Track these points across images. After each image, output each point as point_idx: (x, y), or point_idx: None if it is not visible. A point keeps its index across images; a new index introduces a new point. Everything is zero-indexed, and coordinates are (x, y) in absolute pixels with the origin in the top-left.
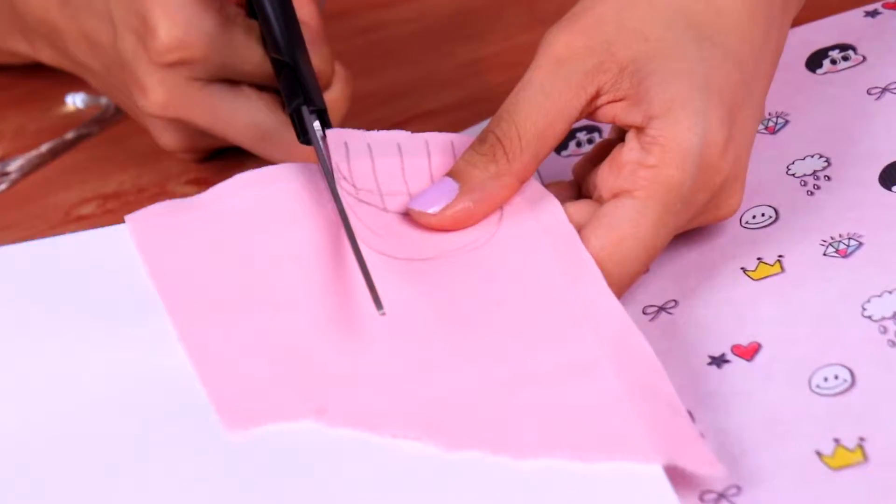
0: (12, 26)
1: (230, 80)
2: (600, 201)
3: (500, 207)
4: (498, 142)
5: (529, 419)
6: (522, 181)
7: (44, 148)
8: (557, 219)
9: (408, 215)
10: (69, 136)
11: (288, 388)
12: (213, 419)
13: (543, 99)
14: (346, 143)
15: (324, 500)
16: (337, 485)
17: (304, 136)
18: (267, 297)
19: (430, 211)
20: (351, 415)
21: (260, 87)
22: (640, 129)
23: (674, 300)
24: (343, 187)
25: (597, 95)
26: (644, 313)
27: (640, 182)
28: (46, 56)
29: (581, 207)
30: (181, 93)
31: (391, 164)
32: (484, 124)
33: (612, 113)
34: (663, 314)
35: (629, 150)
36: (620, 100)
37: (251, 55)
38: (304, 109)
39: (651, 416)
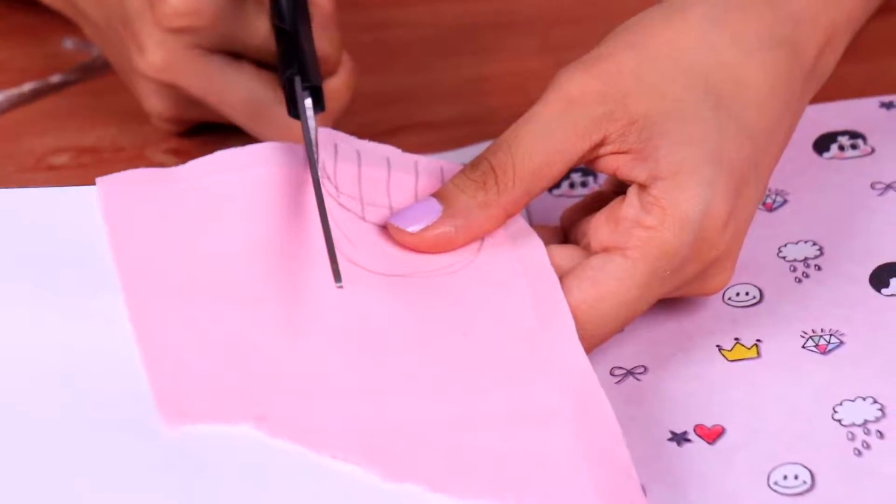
0: None
1: (232, 53)
2: (588, 250)
3: (482, 238)
4: (491, 171)
5: (476, 460)
6: (509, 215)
7: (26, 87)
8: (539, 261)
9: (386, 229)
10: (54, 79)
11: (232, 389)
12: (151, 409)
13: (547, 136)
14: (336, 145)
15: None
16: (265, 498)
17: (294, 108)
18: (228, 288)
19: (410, 230)
20: (292, 427)
21: (260, 66)
22: (642, 187)
23: (643, 366)
24: (325, 187)
25: (601, 143)
26: (611, 374)
27: (634, 241)
28: None
29: (567, 254)
30: (180, 58)
31: (377, 176)
32: (475, 148)
33: (616, 165)
34: (631, 379)
35: (628, 206)
36: (625, 152)
37: (257, 30)
38: (297, 80)
39: (602, 477)
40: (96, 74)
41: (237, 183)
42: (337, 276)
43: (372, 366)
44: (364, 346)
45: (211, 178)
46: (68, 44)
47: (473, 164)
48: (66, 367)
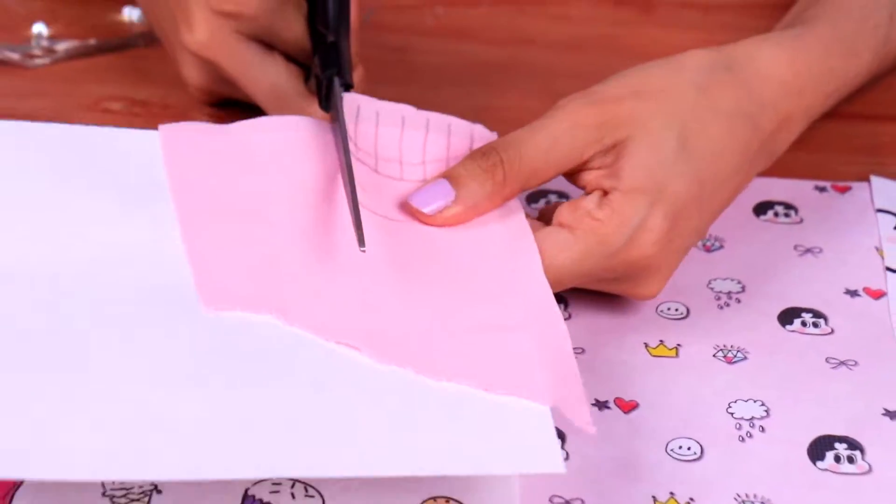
0: None
1: (267, 44)
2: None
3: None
4: (500, 164)
5: (453, 353)
6: (506, 201)
7: (92, 41)
8: (518, 217)
9: (392, 181)
10: (117, 40)
11: (260, 287)
12: (192, 295)
13: (551, 145)
14: (358, 107)
15: (265, 377)
16: (280, 368)
17: (327, 102)
18: (264, 217)
19: (425, 210)
20: (306, 319)
21: (289, 60)
22: (604, 193)
23: (582, 348)
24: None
25: (587, 161)
26: None
27: (582, 225)
28: None
29: (534, 223)
30: (223, 40)
31: (391, 134)
32: None
33: (589, 179)
34: None
35: (588, 201)
36: (599, 168)
37: (294, 28)
38: (336, 80)
39: (552, 373)
40: (152, 44)
41: (280, 141)
42: (361, 242)
43: (372, 279)
44: (367, 265)
45: (256, 135)
46: (128, 12)
47: (484, 153)
48: (125, 257)
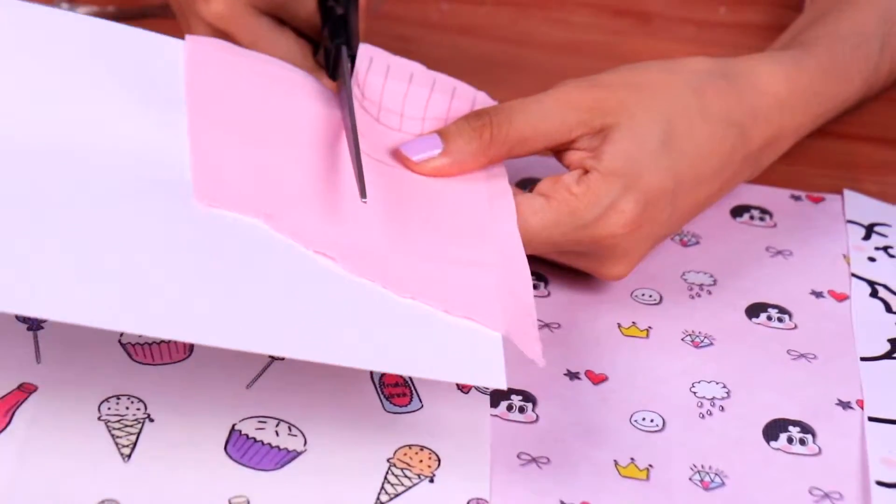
0: None
1: (279, 19)
2: None
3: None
4: (489, 125)
5: (421, 277)
6: (491, 163)
7: (111, 8)
8: (502, 181)
9: (389, 130)
10: (135, 9)
11: (252, 192)
12: (187, 190)
13: (541, 118)
14: (371, 58)
15: (244, 268)
16: (259, 264)
17: (335, 70)
18: (268, 136)
19: (414, 158)
20: (290, 227)
21: (300, 35)
22: (584, 171)
23: (559, 323)
24: (354, 93)
25: (574, 140)
26: None
27: (558, 195)
28: None
29: (516, 189)
30: (238, 12)
31: (397, 88)
32: None
33: (574, 158)
34: (547, 330)
35: (568, 176)
36: (584, 150)
37: (305, 5)
38: (344, 49)
39: (510, 307)
40: (169, 15)
41: (297, 81)
42: (363, 194)
43: (358, 206)
44: (356, 196)
45: (276, 69)
46: None
47: (477, 114)
48: (131, 147)
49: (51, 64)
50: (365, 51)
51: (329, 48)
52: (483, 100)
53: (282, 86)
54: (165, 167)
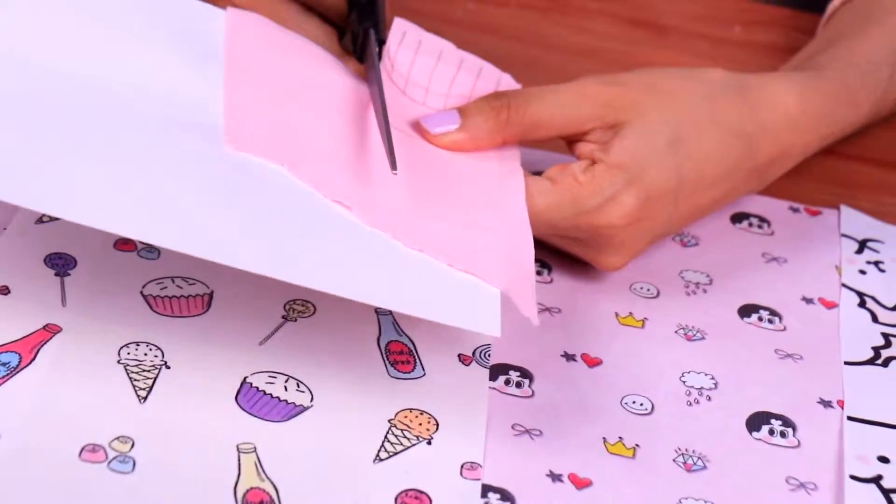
0: None
1: (306, 6)
2: None
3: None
4: (507, 107)
5: (431, 233)
6: (505, 143)
7: None
8: (514, 162)
9: (414, 103)
10: None
11: (279, 142)
12: (218, 136)
13: (558, 107)
14: (404, 33)
15: (264, 205)
16: (278, 204)
17: (363, 52)
18: (299, 97)
19: (432, 130)
20: (312, 176)
21: (326, 21)
22: (592, 162)
23: (559, 308)
24: (384, 65)
25: (587, 133)
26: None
27: (564, 181)
28: None
29: (525, 171)
30: None
31: (426, 64)
32: None
33: (585, 150)
34: (548, 314)
35: (576, 165)
36: (595, 143)
37: None
38: (372, 32)
39: (510, 269)
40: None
41: (330, 57)
42: (393, 166)
43: (379, 165)
44: (378, 157)
45: (309, 44)
46: None
47: (497, 95)
48: (174, 92)
49: (100, 13)
50: (399, 25)
51: (357, 31)
52: (508, 82)
53: (315, 59)
54: (200, 111)
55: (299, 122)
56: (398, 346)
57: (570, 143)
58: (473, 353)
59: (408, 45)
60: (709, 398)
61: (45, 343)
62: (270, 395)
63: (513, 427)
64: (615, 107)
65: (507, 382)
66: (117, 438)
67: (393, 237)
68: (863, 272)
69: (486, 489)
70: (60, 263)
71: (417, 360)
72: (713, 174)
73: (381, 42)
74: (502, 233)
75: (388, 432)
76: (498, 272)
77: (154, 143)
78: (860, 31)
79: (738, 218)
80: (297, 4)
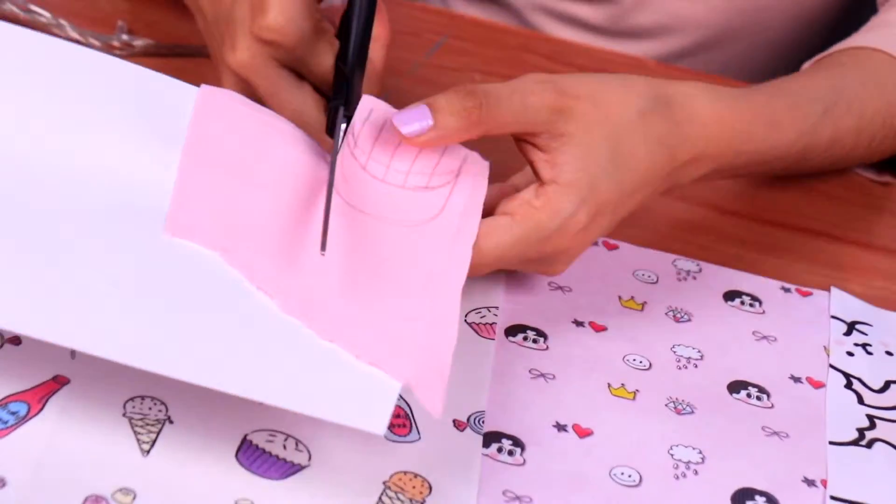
0: None
1: (298, 73)
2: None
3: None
4: (479, 108)
5: (347, 320)
6: (471, 138)
7: (165, 45)
8: (473, 216)
9: (373, 181)
10: (187, 47)
11: (221, 227)
12: (160, 220)
13: (521, 110)
14: (371, 109)
15: (187, 290)
16: (202, 289)
17: (331, 128)
18: (253, 180)
19: (404, 130)
20: (244, 262)
21: (316, 91)
22: (542, 184)
23: (553, 374)
24: (347, 141)
25: (537, 135)
26: (529, 373)
27: (521, 211)
28: None
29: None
30: (260, 63)
31: (390, 140)
32: None
33: (534, 157)
34: (542, 380)
35: (527, 191)
36: (544, 150)
37: (324, 63)
38: (341, 109)
39: (423, 364)
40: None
41: (299, 134)
42: (323, 246)
43: (313, 253)
44: (314, 238)
45: (279, 121)
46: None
47: (468, 94)
48: (123, 173)
49: (64, 93)
50: (367, 102)
51: (329, 107)
52: (474, 157)
53: (280, 138)
54: (149, 194)
55: (246, 205)
56: (395, 410)
57: (517, 140)
58: (468, 420)
59: (373, 122)
60: (696, 472)
61: (53, 394)
62: (269, 453)
63: (503, 493)
64: (564, 117)
65: (500, 450)
66: (120, 490)
67: (308, 327)
68: (850, 354)
69: None
70: None
71: (413, 424)
72: (643, 181)
73: (350, 119)
74: (424, 324)
75: (382, 494)
76: (407, 365)
77: (85, 234)
78: (807, 72)
79: (730, 296)
80: (291, 72)
